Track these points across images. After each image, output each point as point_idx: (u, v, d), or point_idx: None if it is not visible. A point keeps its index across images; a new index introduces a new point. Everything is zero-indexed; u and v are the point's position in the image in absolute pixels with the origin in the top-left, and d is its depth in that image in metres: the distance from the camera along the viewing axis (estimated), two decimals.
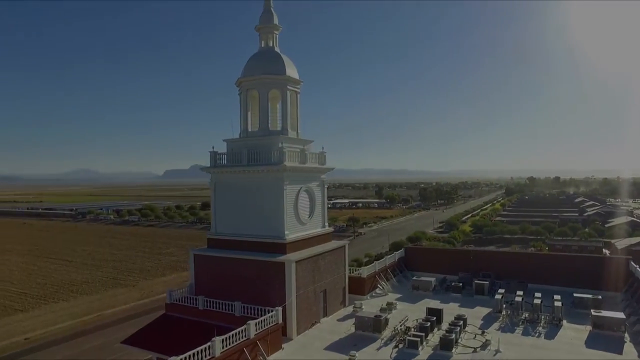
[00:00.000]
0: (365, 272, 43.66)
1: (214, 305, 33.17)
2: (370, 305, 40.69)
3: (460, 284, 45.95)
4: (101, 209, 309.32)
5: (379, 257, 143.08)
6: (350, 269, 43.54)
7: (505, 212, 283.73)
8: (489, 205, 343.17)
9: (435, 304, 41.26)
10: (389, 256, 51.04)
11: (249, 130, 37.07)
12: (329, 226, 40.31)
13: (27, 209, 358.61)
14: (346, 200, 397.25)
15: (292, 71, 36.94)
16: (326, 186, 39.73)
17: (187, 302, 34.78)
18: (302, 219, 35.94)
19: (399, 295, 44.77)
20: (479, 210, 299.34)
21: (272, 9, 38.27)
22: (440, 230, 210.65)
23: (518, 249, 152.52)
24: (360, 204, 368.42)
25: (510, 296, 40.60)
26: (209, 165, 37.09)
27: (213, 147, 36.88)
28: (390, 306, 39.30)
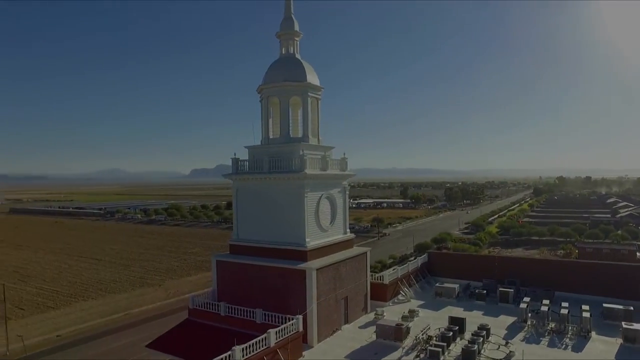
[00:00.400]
0: (387, 278, 43.32)
1: (236, 311, 33.44)
2: (392, 312, 40.37)
3: (484, 291, 45.03)
4: (129, 209, 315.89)
5: (403, 258, 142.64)
6: (372, 275, 43.26)
7: (534, 213, 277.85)
8: (516, 205, 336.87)
9: (458, 312, 40.64)
10: (411, 262, 50.50)
11: (270, 137, 37.23)
12: (352, 229, 40.10)
13: (59, 208, 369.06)
14: (370, 200, 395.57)
15: (312, 78, 36.92)
16: (348, 192, 39.56)
17: (210, 308, 35.14)
18: (323, 226, 35.89)
19: (421, 302, 44.28)
20: (505, 210, 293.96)
21: (292, 16, 38.28)
22: (465, 231, 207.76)
23: (546, 251, 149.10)
24: (385, 204, 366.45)
25: (536, 305, 39.56)
26: (231, 172, 37.40)
27: (235, 154, 37.20)
28: (412, 314, 38.91)
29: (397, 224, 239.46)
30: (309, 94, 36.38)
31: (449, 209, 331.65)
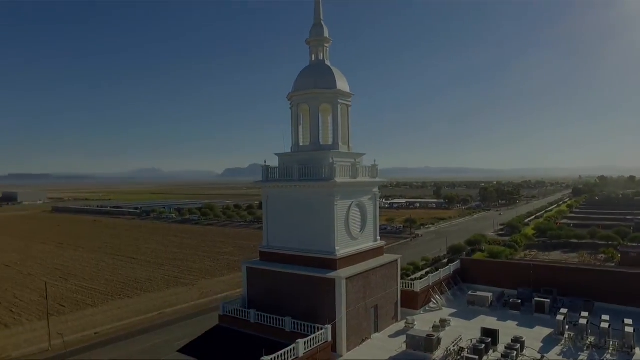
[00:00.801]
0: (418, 285, 42.64)
1: (265, 319, 33.57)
2: (422, 321, 39.72)
3: (519, 301, 43.57)
4: (164, 208, 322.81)
5: (436, 260, 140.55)
6: (403, 282, 42.66)
7: (573, 215, 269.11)
8: (554, 206, 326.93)
9: (491, 321, 39.62)
10: (443, 269, 49.56)
11: (300, 144, 37.18)
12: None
13: (97, 207, 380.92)
14: (403, 200, 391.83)
15: (342, 84, 36.67)
16: (378, 199, 39.13)
17: (240, 315, 35.40)
18: (353, 234, 35.61)
19: (453, 311, 43.37)
20: (543, 212, 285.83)
21: (322, 22, 38.08)
22: (501, 233, 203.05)
23: (586, 255, 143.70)
24: (418, 204, 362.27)
25: (575, 317, 37.95)
26: (261, 178, 37.57)
27: (265, 162, 37.31)
28: (443, 323, 38.14)
29: (430, 225, 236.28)
30: (339, 101, 36.15)
31: (483, 209, 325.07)
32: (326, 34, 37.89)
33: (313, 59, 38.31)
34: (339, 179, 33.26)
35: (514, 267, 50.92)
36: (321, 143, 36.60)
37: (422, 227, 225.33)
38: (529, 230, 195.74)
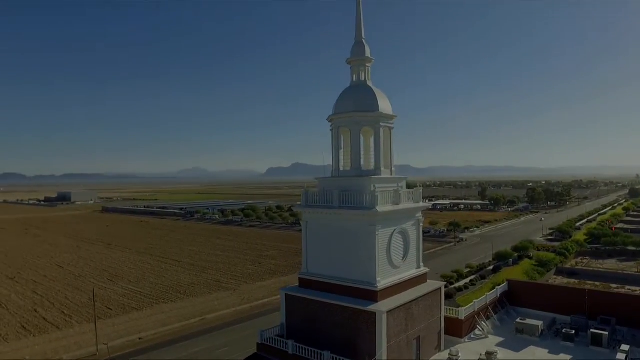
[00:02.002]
0: (463, 313, 40.59)
1: (304, 351, 32.66)
2: (467, 351, 37.74)
3: (573, 331, 40.54)
4: (207, 209, 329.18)
5: (481, 267, 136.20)
6: (447, 309, 40.77)
7: (629, 218, 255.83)
8: (608, 208, 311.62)
9: (542, 354, 37.24)
10: (490, 292, 47.04)
11: (341, 169, 35.99)
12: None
13: (144, 207, 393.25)
14: (447, 202, 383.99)
15: (385, 106, 35.23)
16: (422, 224, 37.49)
17: (278, 345, 34.65)
18: (395, 263, 34.18)
19: (500, 339, 41.03)
20: (596, 214, 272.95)
21: (363, 41, 36.71)
22: (550, 238, 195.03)
23: None
24: (462, 206, 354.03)
25: (637, 352, 35.15)
26: (301, 202, 36.70)
27: (305, 187, 36.39)
28: (489, 356, 36.01)
29: (475, 228, 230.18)
30: (381, 124, 34.73)
31: (531, 211, 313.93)
32: (368, 53, 36.51)
33: (354, 79, 37.01)
34: (380, 208, 31.88)
35: (566, 291, 47.78)
36: (362, 168, 35.29)
37: (466, 231, 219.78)
38: (580, 236, 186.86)
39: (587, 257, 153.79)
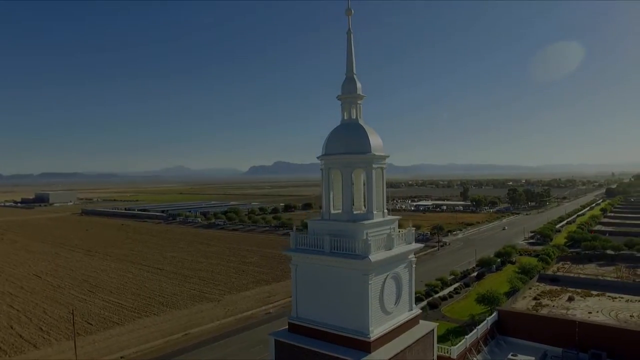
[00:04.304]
0: (455, 351, 40.03)
1: None
2: None
3: None
4: (190, 211, 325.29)
5: (465, 274, 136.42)
6: (439, 347, 40.05)
7: (607, 220, 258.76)
8: (586, 209, 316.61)
9: None
10: (480, 326, 46.60)
11: (332, 212, 34.78)
12: (415, 308, 36.59)
13: (125, 209, 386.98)
14: (430, 202, 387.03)
15: (377, 147, 34.10)
16: (414, 265, 36.61)
17: None
18: (387, 309, 33.21)
19: None
20: (575, 216, 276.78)
21: (355, 76, 35.53)
22: (531, 241, 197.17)
23: (624, 270, 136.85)
24: (445, 207, 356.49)
25: None
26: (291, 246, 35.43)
27: (294, 228, 35.16)
28: None
29: (458, 231, 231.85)
30: (374, 165, 33.63)
31: (512, 212, 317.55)
32: (359, 90, 35.32)
33: (345, 117, 35.77)
34: (373, 256, 30.82)
35: (556, 323, 47.55)
36: (354, 212, 34.15)
37: (449, 234, 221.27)
38: (561, 239, 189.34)
39: (568, 262, 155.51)
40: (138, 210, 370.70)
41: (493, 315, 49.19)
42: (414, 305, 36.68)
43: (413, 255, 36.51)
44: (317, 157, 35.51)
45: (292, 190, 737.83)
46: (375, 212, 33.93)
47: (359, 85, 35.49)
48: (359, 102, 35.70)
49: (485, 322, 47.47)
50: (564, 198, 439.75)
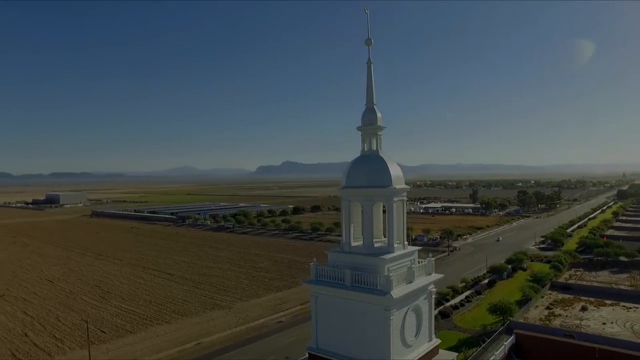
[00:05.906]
0: None
1: None
2: None
3: None
4: (199, 214, 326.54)
5: (476, 282, 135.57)
6: None
7: (619, 224, 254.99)
8: (598, 212, 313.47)
9: None
10: (498, 351, 46.35)
11: (352, 244, 34.81)
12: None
13: (134, 211, 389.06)
14: (439, 205, 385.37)
15: (398, 179, 34.04)
16: (434, 295, 36.49)
17: None
18: (408, 342, 33.16)
19: None
20: (586, 219, 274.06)
21: (375, 107, 35.49)
22: (542, 246, 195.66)
23: (638, 277, 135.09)
24: (454, 209, 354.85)
25: None
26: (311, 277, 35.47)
27: (315, 260, 35.19)
28: None
29: (467, 235, 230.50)
30: (394, 198, 33.61)
31: (522, 215, 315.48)
32: (379, 121, 35.24)
33: (365, 149, 35.78)
34: (395, 292, 30.76)
35: (575, 348, 47.32)
36: (375, 245, 34.09)
37: (459, 238, 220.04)
38: (572, 244, 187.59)
39: (580, 269, 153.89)
40: (147, 212, 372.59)
41: (511, 338, 48.95)
42: (433, 335, 36.57)
43: (433, 286, 36.36)
44: (339, 187, 35.51)
45: (301, 191, 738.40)
46: (395, 245, 33.85)
47: (379, 115, 35.42)
48: (379, 133, 35.64)
49: (502, 347, 47.26)
50: (575, 200, 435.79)
